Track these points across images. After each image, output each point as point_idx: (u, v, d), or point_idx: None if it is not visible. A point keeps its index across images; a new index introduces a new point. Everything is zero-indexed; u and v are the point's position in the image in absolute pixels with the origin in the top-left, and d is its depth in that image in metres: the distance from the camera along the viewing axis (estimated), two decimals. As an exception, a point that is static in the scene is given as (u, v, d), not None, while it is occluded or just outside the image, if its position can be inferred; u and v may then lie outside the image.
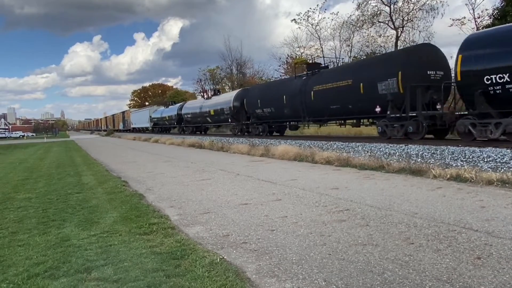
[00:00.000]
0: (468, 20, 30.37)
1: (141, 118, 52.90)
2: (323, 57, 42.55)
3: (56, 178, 10.67)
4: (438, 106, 12.66)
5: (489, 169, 7.53)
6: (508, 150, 8.14)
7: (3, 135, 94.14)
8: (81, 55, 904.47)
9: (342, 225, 4.71)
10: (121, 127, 68.66)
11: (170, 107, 42.03)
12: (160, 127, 45.61)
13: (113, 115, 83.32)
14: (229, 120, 26.06)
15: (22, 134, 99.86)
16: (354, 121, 16.20)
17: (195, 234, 4.66)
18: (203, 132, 33.57)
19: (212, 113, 28.17)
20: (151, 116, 47.11)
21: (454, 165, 8.24)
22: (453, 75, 12.25)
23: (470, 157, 8.45)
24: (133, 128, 58.36)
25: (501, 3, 24.73)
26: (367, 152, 11.04)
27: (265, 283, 3.15)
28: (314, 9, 54.67)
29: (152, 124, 47.25)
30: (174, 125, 39.65)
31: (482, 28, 27.11)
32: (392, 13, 34.81)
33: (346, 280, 3.11)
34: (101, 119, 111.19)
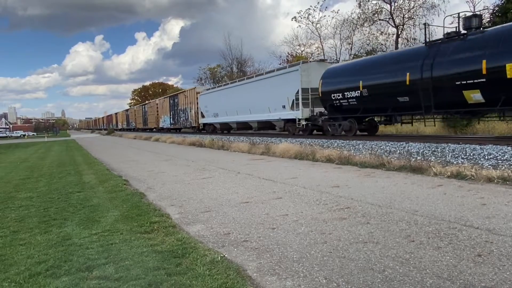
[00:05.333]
0: (469, 17, 30.27)
1: (248, 99, 22.08)
2: (323, 55, 42.59)
3: (57, 177, 10.69)
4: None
5: (489, 166, 7.51)
6: (508, 148, 8.13)
7: (4, 135, 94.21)
8: (82, 55, 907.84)
9: (342, 223, 4.71)
10: (164, 124, 38.60)
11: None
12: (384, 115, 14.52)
13: (143, 105, 52.94)
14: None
15: (23, 133, 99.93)
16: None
17: (196, 232, 4.67)
18: None
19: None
20: (318, 88, 16.08)
21: (454, 162, 8.23)
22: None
23: (471, 154, 8.44)
24: (204, 124, 28.94)
25: (502, 0, 24.65)
26: (368, 150, 11.04)
27: (266, 281, 3.16)
28: (314, 7, 54.56)
29: (329, 109, 15.94)
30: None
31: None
32: (392, 11, 34.77)
33: (346, 278, 3.11)
34: (116, 113, 75.80)
